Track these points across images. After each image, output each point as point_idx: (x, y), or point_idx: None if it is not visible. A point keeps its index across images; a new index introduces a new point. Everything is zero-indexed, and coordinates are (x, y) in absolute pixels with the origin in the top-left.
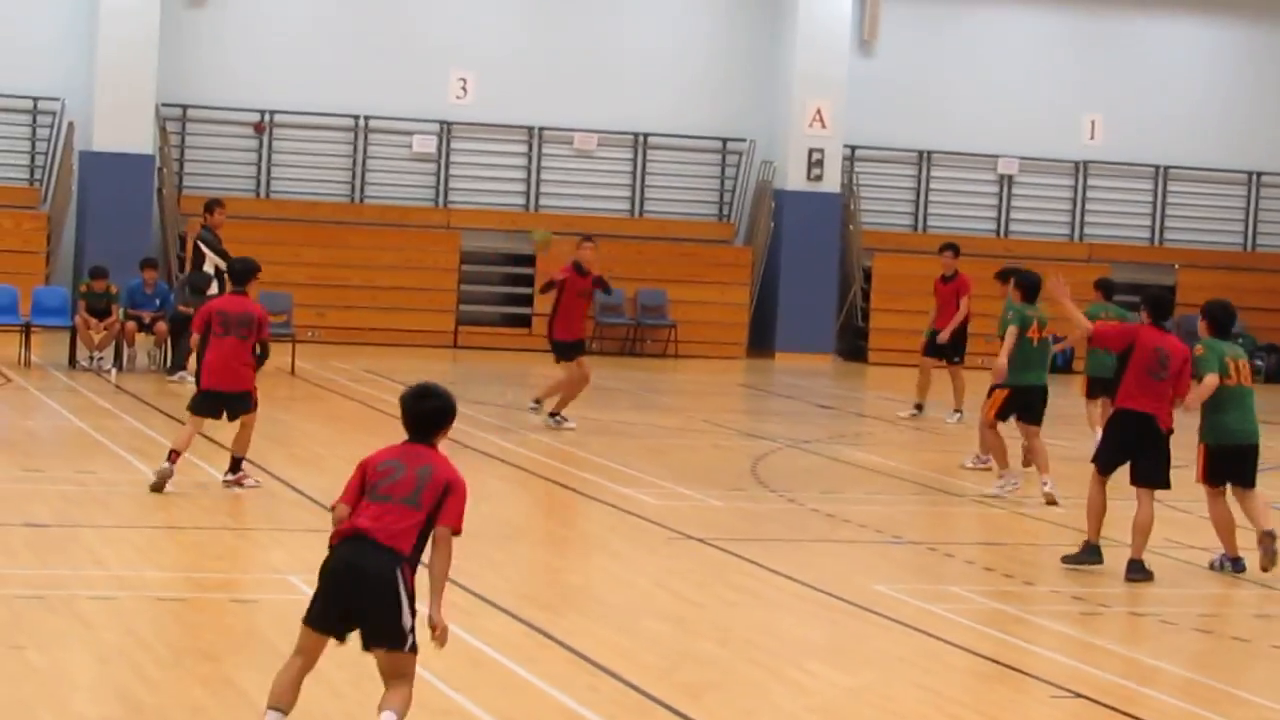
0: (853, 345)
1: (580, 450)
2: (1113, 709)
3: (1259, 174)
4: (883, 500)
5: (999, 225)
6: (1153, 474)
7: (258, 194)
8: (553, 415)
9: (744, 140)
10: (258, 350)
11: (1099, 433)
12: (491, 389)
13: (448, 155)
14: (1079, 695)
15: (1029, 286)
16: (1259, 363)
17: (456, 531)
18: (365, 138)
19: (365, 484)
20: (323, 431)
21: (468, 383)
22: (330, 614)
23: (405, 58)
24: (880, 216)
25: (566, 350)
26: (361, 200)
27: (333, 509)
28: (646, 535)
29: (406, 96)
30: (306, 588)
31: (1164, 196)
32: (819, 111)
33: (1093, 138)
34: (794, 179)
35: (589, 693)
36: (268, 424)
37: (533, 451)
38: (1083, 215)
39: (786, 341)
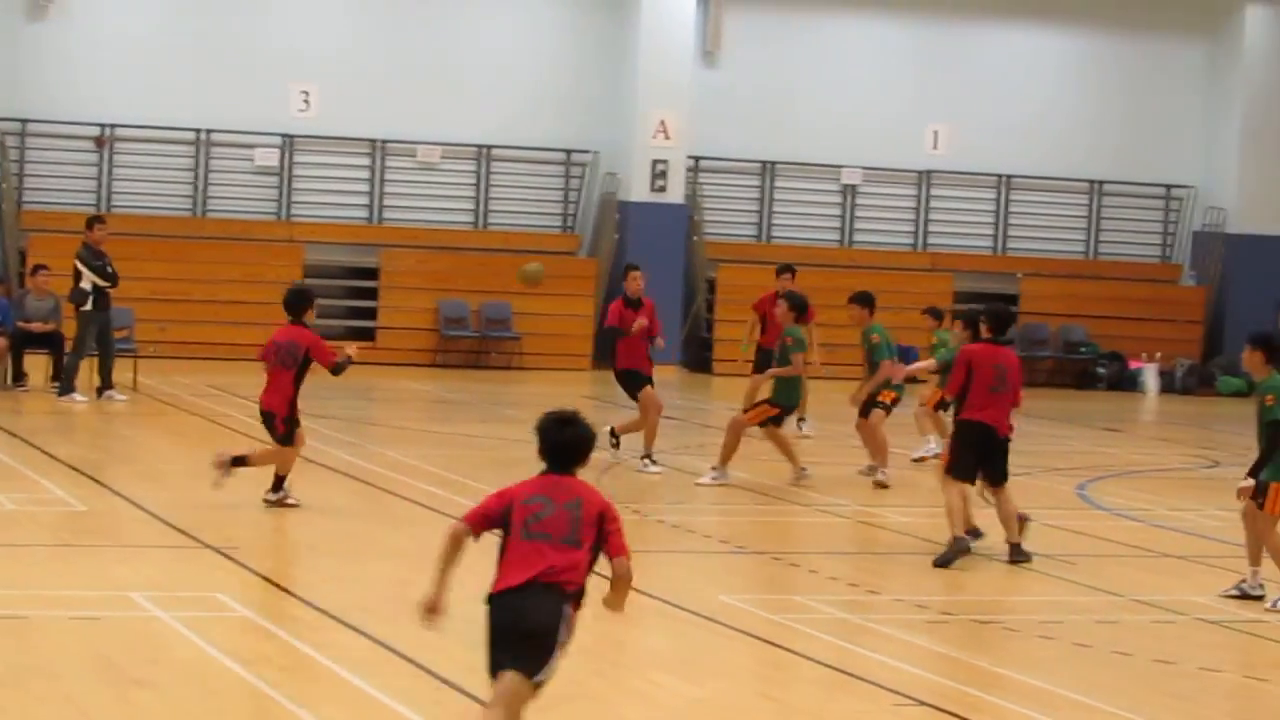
0: (698, 356)
1: (426, 464)
2: (957, 716)
3: (1100, 183)
4: (728, 511)
5: (843, 235)
6: (1001, 475)
7: (99, 208)
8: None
9: (588, 152)
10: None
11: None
12: (335, 403)
13: (290, 168)
14: (923, 703)
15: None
16: (1101, 370)
17: (628, 556)
18: (207, 151)
19: (511, 519)
20: (166, 447)
21: (311, 397)
22: (503, 660)
23: (247, 71)
24: (724, 227)
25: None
26: (204, 214)
27: (453, 529)
28: (493, 547)
29: (248, 109)
30: (149, 605)
31: (1007, 206)
32: (663, 123)
33: (936, 148)
34: (638, 190)
35: (434, 707)
36: (110, 440)
37: (379, 466)
38: (926, 225)
39: None
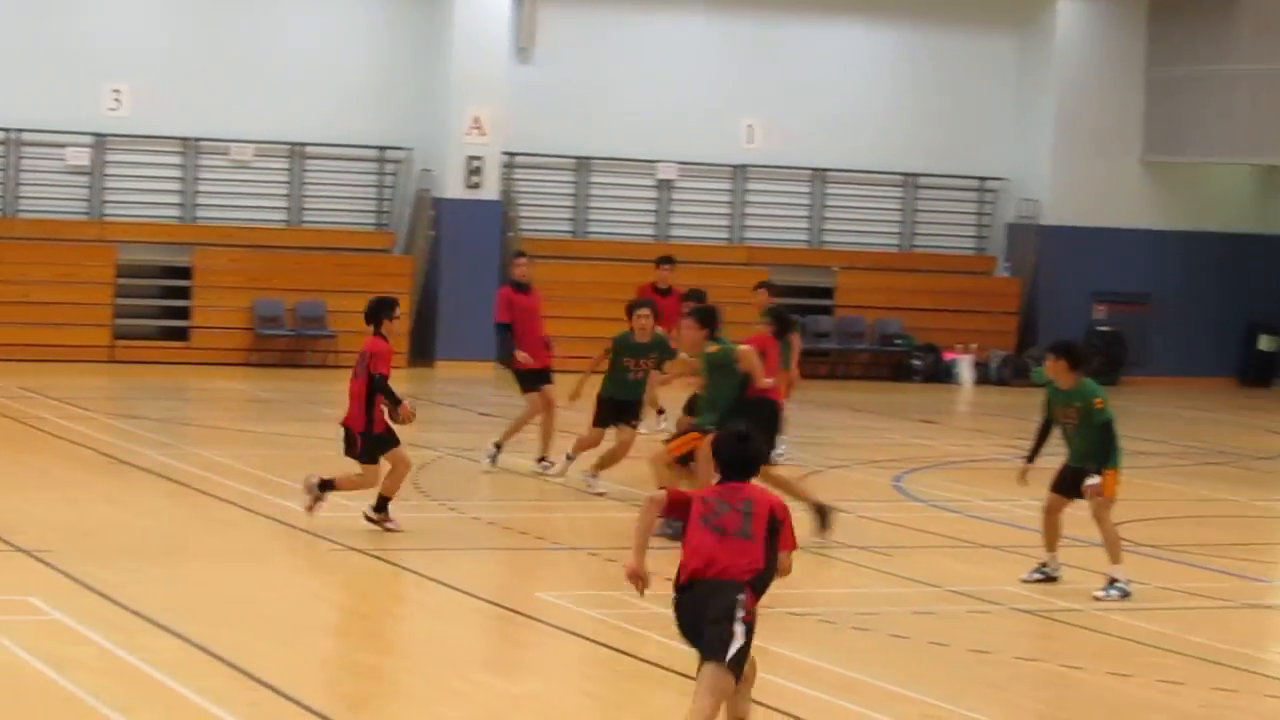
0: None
1: (241, 464)
2: (773, 709)
3: (915, 175)
4: (545, 507)
5: (658, 230)
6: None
7: None
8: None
9: (403, 149)
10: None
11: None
12: (148, 403)
13: (102, 167)
14: None
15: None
16: (917, 362)
17: (795, 549)
18: (17, 150)
19: (691, 512)
20: None
21: (125, 398)
22: (698, 648)
23: (57, 69)
24: (540, 223)
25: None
26: (14, 214)
27: (653, 496)
28: (309, 548)
29: (59, 108)
30: None
31: (822, 199)
32: (477, 119)
33: (751, 142)
34: (453, 187)
35: (250, 708)
36: None
37: (193, 466)
38: (742, 219)
39: (447, 349)
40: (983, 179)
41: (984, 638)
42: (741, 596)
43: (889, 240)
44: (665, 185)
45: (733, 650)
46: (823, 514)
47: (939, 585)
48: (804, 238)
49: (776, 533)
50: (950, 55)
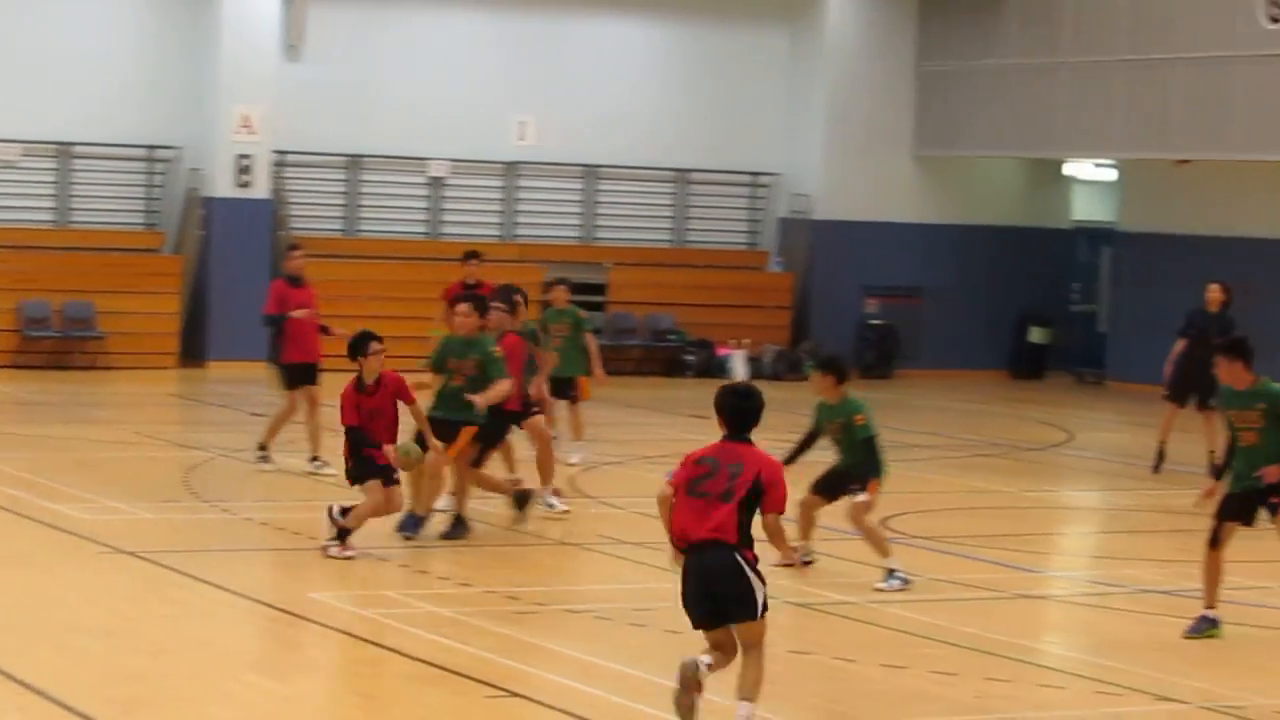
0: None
1: (6, 466)
2: (549, 707)
3: (687, 171)
4: (318, 506)
5: (430, 227)
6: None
7: None
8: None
9: (171, 148)
10: None
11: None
12: None
13: None
14: (516, 694)
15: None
16: (690, 358)
17: (781, 513)
18: None
19: (688, 478)
20: None
21: None
22: (702, 614)
23: None
24: (311, 221)
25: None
26: None
27: (661, 493)
28: (77, 551)
29: None
30: None
31: (594, 196)
32: (247, 117)
33: (523, 139)
34: (223, 186)
35: (18, 714)
36: None
37: None
38: (514, 216)
39: (219, 350)
40: (755, 174)
41: None
42: (737, 555)
43: (661, 236)
44: (437, 183)
45: (760, 601)
46: (521, 500)
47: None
48: (576, 234)
49: (760, 495)
50: (722, 51)
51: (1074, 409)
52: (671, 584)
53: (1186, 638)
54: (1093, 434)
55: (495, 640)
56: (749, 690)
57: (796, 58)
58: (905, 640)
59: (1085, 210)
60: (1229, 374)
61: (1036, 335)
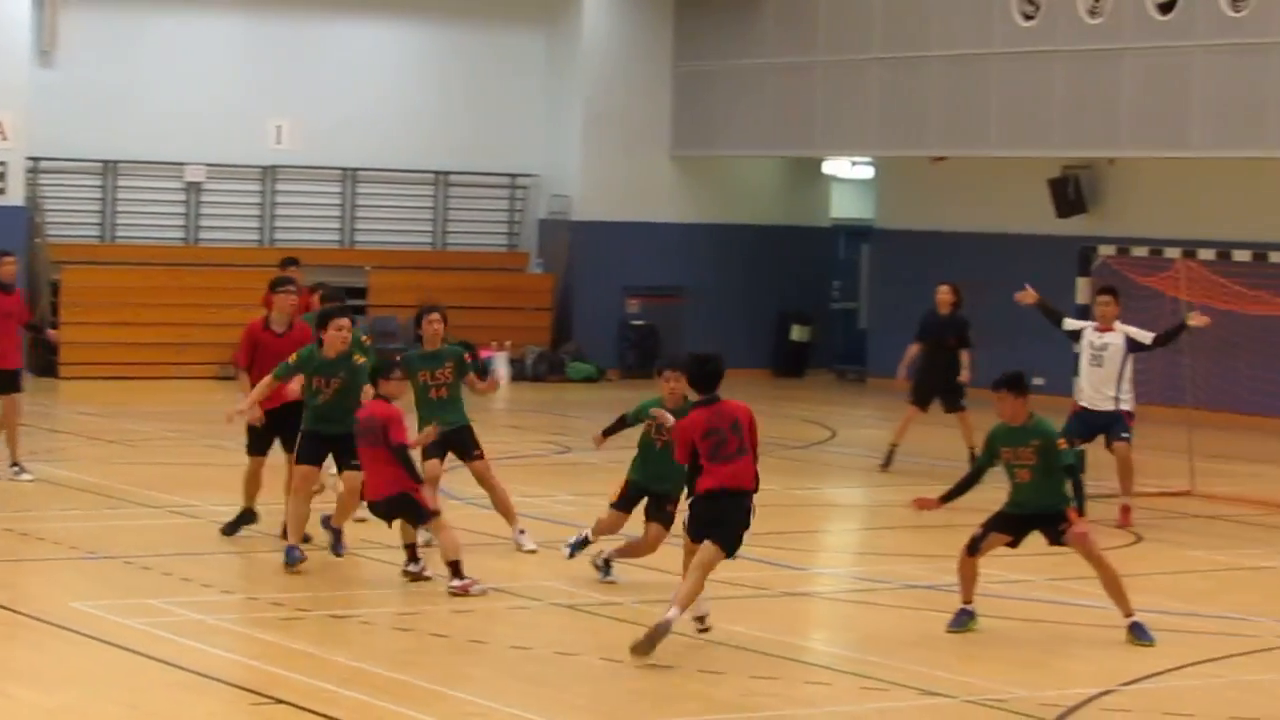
0: (44, 360)
1: None
2: (314, 713)
3: (446, 173)
4: (78, 516)
5: (188, 233)
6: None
7: None
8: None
9: None
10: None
11: None
12: None
13: None
14: (282, 701)
15: None
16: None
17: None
18: None
19: (702, 449)
20: None
21: None
22: (701, 532)
23: None
24: (68, 228)
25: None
26: None
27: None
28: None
29: None
30: None
31: (353, 199)
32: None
33: (280, 142)
34: None
35: None
36: None
37: None
38: (273, 220)
39: None
40: (514, 175)
41: (524, 634)
42: (748, 503)
43: (422, 239)
44: (194, 188)
45: (736, 548)
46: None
47: (479, 582)
48: (335, 238)
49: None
50: (479, 53)
51: (836, 406)
52: (440, 587)
53: (949, 632)
54: (855, 431)
55: (259, 647)
56: (683, 600)
57: (553, 59)
58: (673, 640)
59: (844, 208)
60: (1009, 410)
61: (798, 333)
